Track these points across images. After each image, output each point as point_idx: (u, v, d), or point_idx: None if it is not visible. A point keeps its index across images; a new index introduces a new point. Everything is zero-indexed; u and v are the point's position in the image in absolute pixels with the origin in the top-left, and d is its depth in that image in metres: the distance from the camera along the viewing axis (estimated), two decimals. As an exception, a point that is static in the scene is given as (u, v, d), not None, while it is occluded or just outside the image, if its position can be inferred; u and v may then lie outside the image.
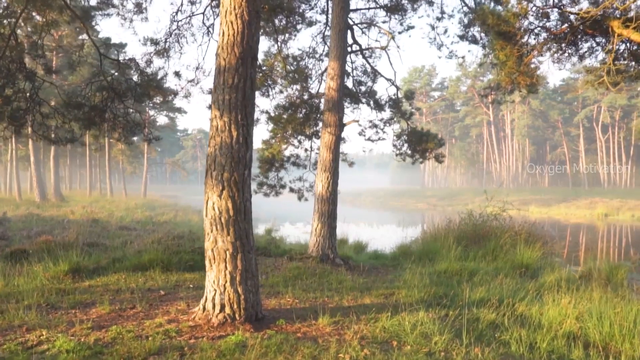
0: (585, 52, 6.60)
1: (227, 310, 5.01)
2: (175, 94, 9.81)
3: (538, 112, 75.88)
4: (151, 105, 54.51)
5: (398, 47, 11.42)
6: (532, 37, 6.56)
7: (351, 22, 11.60)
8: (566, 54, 6.50)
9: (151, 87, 8.46)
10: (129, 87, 8.53)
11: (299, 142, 12.70)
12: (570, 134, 76.57)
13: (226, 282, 5.00)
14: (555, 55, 6.55)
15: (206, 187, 5.12)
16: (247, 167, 5.12)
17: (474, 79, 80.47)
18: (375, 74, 13.16)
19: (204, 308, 5.14)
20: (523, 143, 77.42)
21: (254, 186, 12.76)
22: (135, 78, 8.57)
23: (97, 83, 8.27)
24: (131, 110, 9.15)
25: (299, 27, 13.82)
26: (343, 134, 10.81)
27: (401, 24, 13.55)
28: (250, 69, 5.16)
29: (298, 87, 12.57)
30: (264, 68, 11.69)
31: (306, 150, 12.81)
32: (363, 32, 13.21)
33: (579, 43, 6.51)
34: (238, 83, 5.08)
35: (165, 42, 9.05)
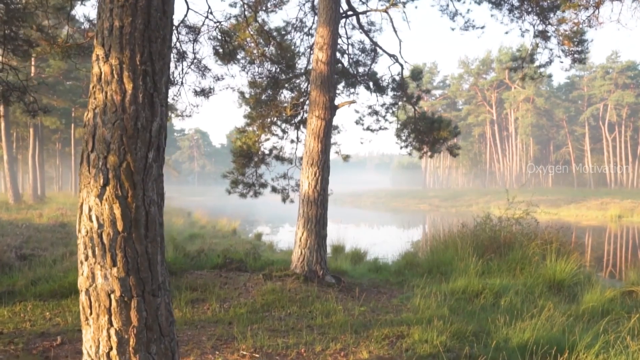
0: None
1: (115, 397, 2.84)
2: (79, 44, 7.36)
3: (542, 111, 73.79)
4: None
5: (404, 5, 9.19)
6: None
7: (345, -17, 9.44)
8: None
9: (29, 28, 6.06)
10: (-7, 28, 6.11)
11: (284, 131, 10.51)
12: (575, 132, 74.51)
13: (111, 348, 2.83)
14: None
15: (81, 182, 2.96)
16: (153, 146, 2.94)
17: (477, 76, 78.35)
18: (375, 51, 10.99)
19: (78, 391, 2.97)
20: (527, 142, 75.26)
21: (226, 184, 10.52)
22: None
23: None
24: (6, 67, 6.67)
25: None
26: (336, 121, 8.66)
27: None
28: (161, -22, 3.00)
29: (283, 65, 10.41)
30: (234, 36, 9.51)
31: (292, 141, 10.63)
32: (361, 1, 11.07)
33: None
34: None
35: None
